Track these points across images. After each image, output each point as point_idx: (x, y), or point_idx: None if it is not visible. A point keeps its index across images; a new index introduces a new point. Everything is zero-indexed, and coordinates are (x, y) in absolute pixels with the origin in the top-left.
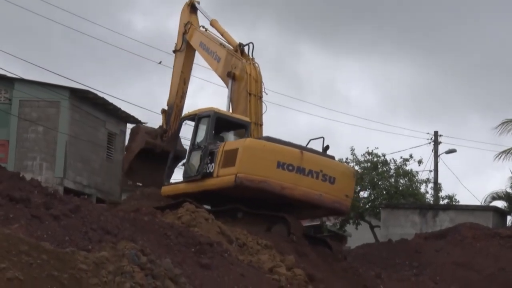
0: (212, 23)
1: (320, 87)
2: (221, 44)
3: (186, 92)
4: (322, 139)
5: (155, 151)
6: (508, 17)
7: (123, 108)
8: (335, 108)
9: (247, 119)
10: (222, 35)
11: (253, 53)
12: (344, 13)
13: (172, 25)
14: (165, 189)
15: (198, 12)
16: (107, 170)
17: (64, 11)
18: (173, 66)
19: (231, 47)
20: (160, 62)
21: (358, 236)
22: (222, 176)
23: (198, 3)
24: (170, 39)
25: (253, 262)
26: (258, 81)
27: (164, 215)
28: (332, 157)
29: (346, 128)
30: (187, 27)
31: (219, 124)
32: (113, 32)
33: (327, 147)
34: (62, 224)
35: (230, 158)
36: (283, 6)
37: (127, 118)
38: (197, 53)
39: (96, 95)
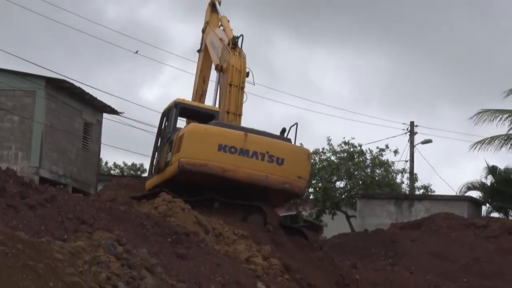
0: (220, 19)
1: (294, 77)
2: (220, 39)
3: (206, 91)
4: (295, 125)
5: None
6: (480, 7)
7: (99, 98)
8: (309, 97)
9: (215, 108)
10: (224, 30)
11: (242, 45)
12: (317, 3)
13: (145, 14)
14: (147, 183)
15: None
16: (83, 160)
17: None
18: (196, 66)
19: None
20: (136, 52)
21: (334, 226)
22: (173, 163)
23: (219, 3)
24: (144, 28)
25: (230, 252)
26: (241, 71)
27: (141, 205)
28: (288, 140)
29: (321, 118)
30: (205, 27)
31: (187, 114)
32: (86, 20)
33: (283, 130)
34: (38, 213)
35: (178, 144)
36: None
37: (104, 107)
38: None
39: (72, 84)
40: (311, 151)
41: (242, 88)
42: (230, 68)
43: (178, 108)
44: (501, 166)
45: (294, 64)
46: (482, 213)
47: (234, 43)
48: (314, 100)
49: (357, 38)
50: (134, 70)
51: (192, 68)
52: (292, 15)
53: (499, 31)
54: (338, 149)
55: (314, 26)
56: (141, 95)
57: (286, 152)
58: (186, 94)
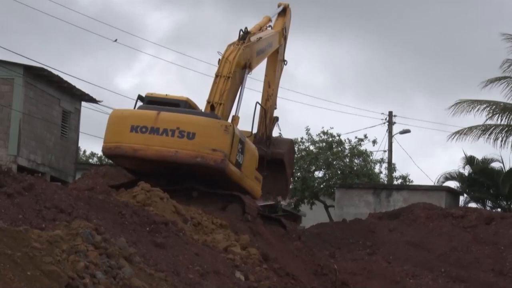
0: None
1: None
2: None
3: (272, 94)
4: (276, 119)
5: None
6: None
7: (78, 86)
8: (283, 86)
9: (182, 97)
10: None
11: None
12: None
13: (119, 0)
14: None
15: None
16: (61, 149)
17: None
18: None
19: None
20: (115, 40)
21: (312, 215)
22: None
23: (286, 6)
24: (118, 15)
25: (208, 241)
26: (231, 61)
27: (119, 193)
28: (211, 115)
29: (296, 107)
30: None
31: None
32: (59, 5)
33: (212, 107)
34: (16, 202)
35: None
36: None
37: (82, 96)
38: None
39: (50, 72)
40: (229, 122)
41: (229, 77)
42: (221, 60)
43: (145, 102)
44: (479, 156)
45: None
46: (460, 203)
47: (243, 37)
48: (289, 89)
49: (332, 26)
50: (108, 57)
51: (168, 55)
52: (267, 2)
53: (476, 21)
54: (317, 138)
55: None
56: (116, 83)
57: (198, 126)
58: (161, 81)
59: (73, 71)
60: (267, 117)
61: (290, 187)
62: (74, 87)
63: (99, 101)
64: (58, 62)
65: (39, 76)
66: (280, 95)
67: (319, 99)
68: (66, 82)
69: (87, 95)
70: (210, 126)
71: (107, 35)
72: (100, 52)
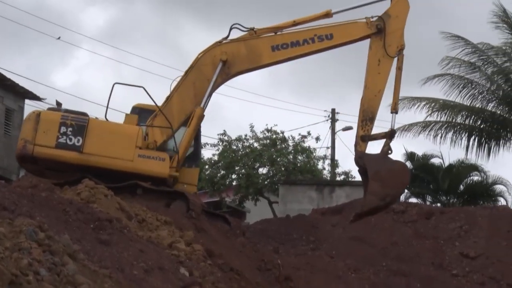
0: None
1: None
2: None
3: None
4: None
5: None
6: None
7: (21, 84)
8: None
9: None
10: None
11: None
12: None
13: None
14: None
15: None
16: (5, 146)
17: None
18: None
19: None
20: (59, 38)
21: (257, 212)
22: None
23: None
24: (51, 10)
25: (153, 238)
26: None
27: (63, 191)
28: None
29: (232, 102)
30: None
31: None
32: None
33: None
34: None
35: None
36: None
37: (26, 94)
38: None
39: None
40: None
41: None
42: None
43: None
44: (419, 152)
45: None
46: (401, 199)
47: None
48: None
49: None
50: (45, 53)
51: (103, 51)
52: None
53: (417, 19)
54: (261, 136)
55: (217, 10)
56: (53, 79)
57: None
58: (99, 77)
59: (11, 68)
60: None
61: (234, 183)
62: (18, 84)
63: (42, 99)
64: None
65: None
66: (219, 92)
67: (256, 94)
68: (9, 79)
69: (31, 92)
70: (27, 119)
71: (41, 29)
72: (36, 48)
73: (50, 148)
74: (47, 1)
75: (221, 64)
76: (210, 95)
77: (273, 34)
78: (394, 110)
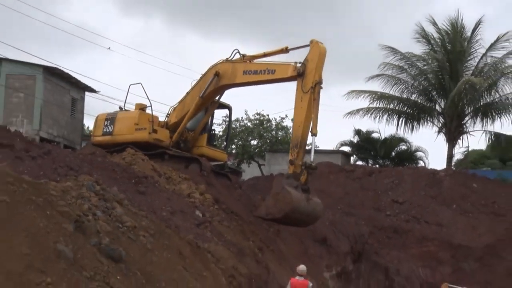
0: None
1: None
2: None
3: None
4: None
5: None
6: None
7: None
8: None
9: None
10: None
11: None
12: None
13: None
14: None
15: None
16: (71, 125)
17: None
18: None
19: None
20: (109, 48)
21: (249, 171)
22: None
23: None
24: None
25: (176, 189)
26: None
27: (113, 157)
28: None
29: (234, 97)
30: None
31: None
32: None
33: None
34: (38, 163)
35: None
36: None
37: (86, 88)
38: None
39: (62, 71)
40: None
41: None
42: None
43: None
44: (364, 129)
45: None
46: (351, 162)
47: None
48: None
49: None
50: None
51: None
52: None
53: (361, 34)
54: (252, 117)
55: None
56: (99, 76)
57: None
58: (130, 74)
59: (71, 68)
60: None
61: (233, 151)
62: (80, 81)
63: (97, 91)
64: (58, 61)
65: (54, 74)
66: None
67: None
68: (74, 78)
69: (89, 87)
70: None
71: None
72: (83, 52)
73: (98, 136)
74: (87, 18)
75: (215, 76)
76: (209, 95)
77: (248, 62)
78: (313, 133)
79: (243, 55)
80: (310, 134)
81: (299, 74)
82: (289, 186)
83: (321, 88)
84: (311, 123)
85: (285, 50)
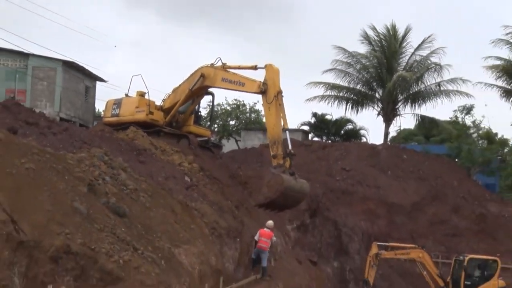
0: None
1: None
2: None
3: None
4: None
5: None
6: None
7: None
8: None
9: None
10: None
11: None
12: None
13: None
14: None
15: None
16: (85, 108)
17: None
18: None
19: None
20: (115, 46)
21: (228, 146)
22: None
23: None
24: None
25: (169, 160)
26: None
27: (118, 133)
28: None
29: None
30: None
31: None
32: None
33: None
34: (58, 138)
35: None
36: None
37: (97, 78)
38: None
39: (78, 64)
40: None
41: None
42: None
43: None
44: (320, 112)
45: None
46: (309, 138)
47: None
48: None
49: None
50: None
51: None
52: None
53: (319, 36)
54: (231, 102)
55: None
56: (105, 68)
57: None
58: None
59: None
60: None
61: (216, 130)
62: (92, 72)
63: (106, 81)
64: (75, 56)
65: (71, 66)
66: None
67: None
68: (87, 70)
69: (99, 77)
70: None
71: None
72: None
73: (107, 117)
74: (92, 18)
75: (201, 77)
76: (196, 90)
77: (226, 71)
78: (285, 128)
79: (224, 64)
80: (283, 130)
81: (262, 92)
82: (278, 172)
83: (283, 96)
84: (282, 122)
85: (254, 68)
